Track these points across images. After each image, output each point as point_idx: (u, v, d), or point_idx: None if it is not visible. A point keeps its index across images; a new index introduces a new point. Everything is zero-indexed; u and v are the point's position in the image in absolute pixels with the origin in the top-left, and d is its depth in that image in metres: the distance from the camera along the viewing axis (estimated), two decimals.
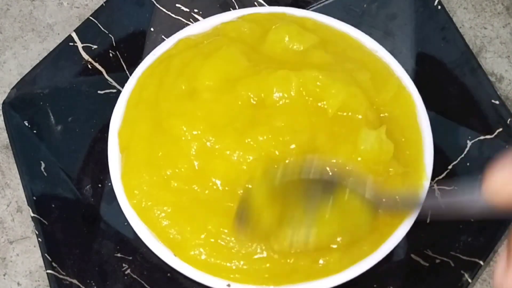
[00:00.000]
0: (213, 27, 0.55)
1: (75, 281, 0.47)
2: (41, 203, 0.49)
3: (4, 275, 0.50)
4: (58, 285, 0.46)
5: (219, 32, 0.54)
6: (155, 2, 0.57)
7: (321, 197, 0.42)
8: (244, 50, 0.50)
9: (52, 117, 0.52)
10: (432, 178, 0.49)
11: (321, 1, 0.58)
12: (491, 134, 0.51)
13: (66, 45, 0.54)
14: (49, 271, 0.47)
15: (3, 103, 0.52)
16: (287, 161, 0.44)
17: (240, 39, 0.52)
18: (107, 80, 0.54)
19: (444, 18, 0.55)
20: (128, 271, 0.48)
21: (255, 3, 0.57)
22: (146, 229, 0.47)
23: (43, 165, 0.50)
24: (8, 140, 0.52)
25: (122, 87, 0.53)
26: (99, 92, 0.54)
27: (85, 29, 0.55)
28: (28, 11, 0.60)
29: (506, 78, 0.57)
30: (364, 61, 0.52)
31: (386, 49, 0.54)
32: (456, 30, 0.54)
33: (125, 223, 0.48)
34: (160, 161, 0.47)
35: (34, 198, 0.49)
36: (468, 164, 0.51)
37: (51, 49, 0.55)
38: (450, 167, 0.51)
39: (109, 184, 0.50)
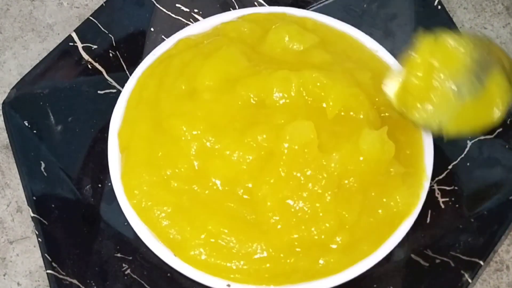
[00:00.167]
0: (213, 27, 0.55)
1: (75, 281, 0.47)
2: (41, 203, 0.49)
3: (4, 275, 0.50)
4: (58, 285, 0.46)
5: (219, 32, 0.54)
6: (155, 2, 0.57)
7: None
8: (244, 50, 0.50)
9: (52, 117, 0.52)
10: (432, 178, 0.49)
11: (321, 1, 0.58)
12: (491, 134, 0.51)
13: (66, 45, 0.54)
14: (49, 271, 0.46)
15: (3, 103, 0.52)
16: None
17: (240, 39, 0.52)
18: (107, 80, 0.54)
19: (444, 18, 0.55)
20: (128, 271, 0.48)
21: (255, 3, 0.57)
22: (146, 229, 0.47)
23: (43, 165, 0.50)
24: (8, 140, 0.52)
25: (122, 87, 0.53)
26: (99, 92, 0.54)
27: (85, 29, 0.55)
28: (28, 11, 0.60)
29: None
30: (364, 61, 0.53)
31: (386, 49, 0.54)
32: (456, 30, 0.54)
33: (125, 223, 0.48)
34: (160, 161, 0.47)
35: (34, 198, 0.49)
36: (468, 164, 0.51)
37: (51, 49, 0.55)
38: (450, 167, 0.51)
39: (109, 184, 0.49)
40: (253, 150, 0.46)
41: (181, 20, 0.57)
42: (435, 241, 0.48)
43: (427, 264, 0.47)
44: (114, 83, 0.54)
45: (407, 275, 0.48)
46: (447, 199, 0.50)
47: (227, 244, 0.45)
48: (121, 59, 0.55)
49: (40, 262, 0.49)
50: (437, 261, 0.47)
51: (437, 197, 0.50)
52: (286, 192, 0.45)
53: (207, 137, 0.47)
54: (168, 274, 0.48)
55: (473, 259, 0.47)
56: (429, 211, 0.49)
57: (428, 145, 0.49)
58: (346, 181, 0.45)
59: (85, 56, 0.54)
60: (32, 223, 0.49)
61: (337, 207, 0.45)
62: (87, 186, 0.51)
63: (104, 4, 0.56)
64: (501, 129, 0.51)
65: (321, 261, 0.45)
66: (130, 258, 0.48)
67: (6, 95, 0.53)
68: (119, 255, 0.48)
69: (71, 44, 0.54)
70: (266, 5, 0.57)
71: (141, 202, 0.47)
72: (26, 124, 0.52)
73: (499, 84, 0.45)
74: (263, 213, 0.45)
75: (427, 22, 0.55)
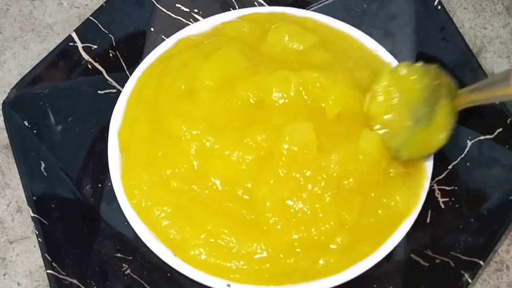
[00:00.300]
0: (213, 27, 0.55)
1: (75, 281, 0.47)
2: (41, 203, 0.49)
3: (4, 275, 0.50)
4: (58, 285, 0.46)
5: (219, 32, 0.54)
6: (155, 2, 0.57)
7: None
8: (244, 50, 0.50)
9: (52, 117, 0.52)
10: (432, 178, 0.49)
11: (321, 1, 0.58)
12: (491, 134, 0.51)
13: (66, 45, 0.54)
14: (49, 271, 0.46)
15: (3, 103, 0.52)
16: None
17: (240, 39, 0.52)
18: (107, 80, 0.54)
19: (444, 18, 0.55)
20: (128, 271, 0.48)
21: (255, 3, 0.57)
22: (146, 229, 0.47)
23: (43, 165, 0.50)
24: (8, 140, 0.52)
25: (122, 87, 0.53)
26: (99, 92, 0.54)
27: (85, 29, 0.55)
28: (28, 11, 0.60)
29: None
30: (364, 61, 0.52)
31: (386, 49, 0.54)
32: (456, 30, 0.54)
33: (125, 223, 0.48)
34: (160, 161, 0.47)
35: (34, 198, 0.49)
36: (468, 164, 0.51)
37: (51, 49, 0.55)
38: (450, 167, 0.51)
39: (109, 184, 0.50)
40: (252, 150, 0.46)
41: (181, 20, 0.57)
42: (435, 241, 0.48)
43: (427, 264, 0.47)
44: (114, 83, 0.54)
45: (407, 275, 0.48)
46: (447, 199, 0.50)
47: (227, 244, 0.45)
48: (121, 59, 0.55)
49: (40, 262, 0.49)
50: (437, 261, 0.47)
51: (437, 197, 0.50)
52: (285, 192, 0.45)
53: (207, 137, 0.47)
54: (168, 274, 0.48)
55: (473, 259, 0.46)
56: (429, 211, 0.49)
57: None
58: (345, 182, 0.45)
59: (85, 56, 0.54)
60: (32, 223, 0.49)
61: (336, 207, 0.45)
62: (87, 186, 0.51)
63: (104, 4, 0.56)
64: (501, 129, 0.51)
65: (321, 261, 0.45)
66: (130, 258, 0.48)
67: (6, 95, 0.53)
68: (119, 255, 0.48)
69: (71, 44, 0.54)
70: (266, 5, 0.57)
71: (141, 202, 0.47)
72: (26, 124, 0.52)
73: (445, 110, 0.47)
74: (263, 214, 0.45)
75: (427, 22, 0.55)
